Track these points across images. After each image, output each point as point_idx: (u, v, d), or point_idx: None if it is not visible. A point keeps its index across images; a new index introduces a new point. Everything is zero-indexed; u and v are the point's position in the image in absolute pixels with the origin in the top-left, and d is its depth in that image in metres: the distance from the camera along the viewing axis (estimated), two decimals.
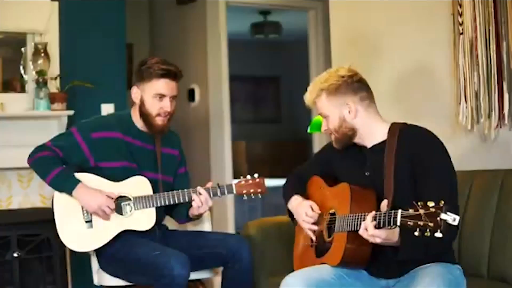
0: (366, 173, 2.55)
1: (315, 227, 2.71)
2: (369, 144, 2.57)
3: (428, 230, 2.05)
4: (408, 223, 2.11)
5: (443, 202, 2.07)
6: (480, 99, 3.23)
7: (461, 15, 3.28)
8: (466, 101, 3.29)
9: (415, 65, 3.64)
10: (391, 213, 2.21)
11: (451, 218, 2.04)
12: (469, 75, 3.27)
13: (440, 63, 3.50)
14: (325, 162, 2.77)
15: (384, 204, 2.34)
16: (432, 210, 2.06)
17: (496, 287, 2.74)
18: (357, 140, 2.58)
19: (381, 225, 2.25)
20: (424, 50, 3.60)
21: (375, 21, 3.91)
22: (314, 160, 2.95)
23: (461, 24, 3.28)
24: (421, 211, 2.08)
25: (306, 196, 2.82)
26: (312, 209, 2.72)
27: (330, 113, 2.56)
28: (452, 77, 3.39)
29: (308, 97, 2.62)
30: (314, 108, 2.64)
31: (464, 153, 3.33)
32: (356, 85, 2.55)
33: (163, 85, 3.04)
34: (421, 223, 2.07)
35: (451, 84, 3.41)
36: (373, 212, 2.28)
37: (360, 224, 2.34)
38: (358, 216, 2.39)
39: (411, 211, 2.11)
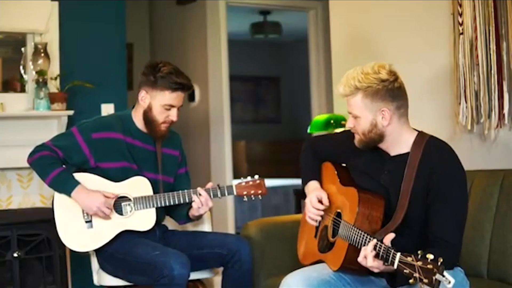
0: (381, 181, 2.50)
1: (315, 223, 2.69)
2: (392, 153, 2.49)
3: (422, 283, 2.04)
4: (405, 270, 2.09)
5: (441, 260, 2.03)
6: (480, 99, 3.23)
7: (461, 15, 3.28)
8: (466, 101, 3.29)
9: (415, 65, 3.64)
10: (390, 251, 2.16)
11: (446, 281, 2.01)
12: (469, 75, 3.27)
13: (440, 63, 3.50)
14: (343, 152, 2.68)
15: (389, 238, 2.25)
16: (429, 266, 2.03)
17: None
18: (381, 145, 2.49)
19: (380, 258, 2.21)
20: (424, 50, 3.60)
21: (375, 21, 3.91)
22: (334, 141, 2.82)
23: (461, 24, 3.28)
24: (418, 263, 2.05)
25: (321, 178, 2.78)
26: (322, 202, 2.66)
27: (363, 115, 2.44)
28: (452, 77, 3.39)
29: (340, 91, 2.47)
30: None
31: (464, 153, 3.32)
32: (396, 92, 2.41)
33: (175, 97, 3.06)
34: (416, 275, 2.05)
35: (451, 84, 3.41)
36: (375, 241, 2.24)
37: (362, 243, 2.32)
38: (361, 234, 2.34)
39: (409, 259, 2.08)
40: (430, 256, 2.05)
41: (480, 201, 2.89)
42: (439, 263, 2.03)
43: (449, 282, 2.02)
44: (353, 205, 2.46)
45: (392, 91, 2.41)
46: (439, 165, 2.39)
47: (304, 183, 2.81)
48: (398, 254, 2.13)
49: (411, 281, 2.06)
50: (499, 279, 2.77)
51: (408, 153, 2.45)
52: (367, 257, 2.23)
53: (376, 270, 2.26)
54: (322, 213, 2.66)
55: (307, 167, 2.84)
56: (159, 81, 3.05)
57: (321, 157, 2.82)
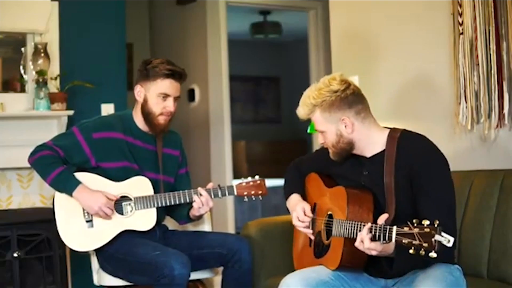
0: (363, 183, 2.53)
1: (309, 230, 2.72)
2: (368, 154, 2.53)
3: (422, 249, 2.05)
4: (403, 241, 2.10)
5: (437, 222, 2.05)
6: (480, 99, 3.22)
7: (461, 15, 3.28)
8: (466, 101, 3.29)
9: (415, 65, 3.64)
10: (386, 228, 2.18)
11: (446, 240, 2.03)
12: (469, 75, 3.27)
13: (440, 63, 3.49)
14: (323, 164, 2.75)
15: (383, 217, 2.28)
16: (427, 230, 2.05)
17: None
18: (355, 151, 2.54)
19: (377, 238, 2.23)
20: (424, 50, 3.60)
21: (375, 21, 3.91)
22: (314, 156, 2.92)
23: (461, 24, 3.28)
24: (415, 230, 2.07)
25: (304, 192, 2.83)
26: (305, 213, 2.72)
27: (326, 129, 2.52)
28: (452, 77, 3.38)
29: (301, 112, 2.57)
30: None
31: (464, 153, 3.33)
32: (350, 99, 2.48)
33: (168, 85, 3.06)
34: (415, 242, 2.06)
35: (451, 84, 3.41)
36: (369, 224, 2.26)
37: (357, 232, 2.33)
38: (354, 224, 2.37)
39: (406, 228, 2.10)
40: (426, 222, 2.07)
41: (480, 201, 2.89)
42: (436, 225, 2.05)
43: (448, 241, 2.03)
44: (342, 201, 2.49)
45: (346, 99, 2.47)
46: (416, 156, 2.42)
47: (286, 197, 2.87)
48: (395, 227, 2.15)
49: (411, 251, 2.07)
50: (499, 279, 2.77)
51: (383, 150, 2.49)
52: (363, 240, 2.25)
53: (374, 253, 2.26)
54: (307, 224, 2.72)
55: (290, 182, 2.91)
56: (150, 72, 3.07)
57: (305, 173, 2.88)
